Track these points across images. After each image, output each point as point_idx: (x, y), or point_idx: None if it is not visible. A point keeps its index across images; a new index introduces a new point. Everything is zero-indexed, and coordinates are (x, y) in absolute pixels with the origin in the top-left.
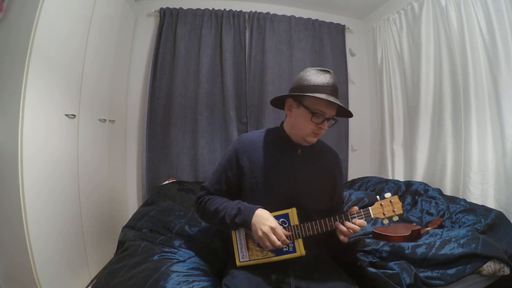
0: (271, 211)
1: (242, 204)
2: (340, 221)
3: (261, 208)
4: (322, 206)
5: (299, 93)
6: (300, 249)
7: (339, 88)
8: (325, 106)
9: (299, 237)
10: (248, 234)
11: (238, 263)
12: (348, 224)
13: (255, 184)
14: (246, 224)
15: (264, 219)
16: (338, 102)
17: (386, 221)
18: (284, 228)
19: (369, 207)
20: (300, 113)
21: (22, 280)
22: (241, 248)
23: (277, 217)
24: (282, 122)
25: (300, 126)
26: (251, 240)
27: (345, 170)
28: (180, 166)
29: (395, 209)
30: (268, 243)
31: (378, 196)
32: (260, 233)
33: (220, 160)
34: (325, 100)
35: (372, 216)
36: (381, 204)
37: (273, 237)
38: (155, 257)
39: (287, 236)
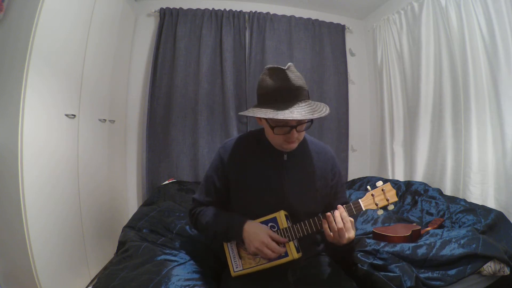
0: (260, 217)
1: (230, 219)
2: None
3: (248, 221)
4: (314, 209)
5: (251, 113)
6: (292, 253)
7: (302, 84)
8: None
9: (290, 240)
10: (239, 243)
11: (232, 274)
12: (336, 213)
13: (244, 193)
14: (238, 240)
15: (254, 234)
16: (292, 114)
17: (380, 212)
18: (273, 232)
19: (359, 199)
20: (266, 125)
21: (22, 280)
22: (234, 257)
23: (265, 222)
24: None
25: (270, 137)
26: (243, 248)
27: (345, 170)
28: (180, 166)
29: (388, 198)
30: (264, 256)
31: (368, 186)
32: (253, 249)
33: (207, 170)
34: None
35: (363, 208)
36: (372, 195)
37: (267, 251)
38: (156, 259)
39: (280, 243)
